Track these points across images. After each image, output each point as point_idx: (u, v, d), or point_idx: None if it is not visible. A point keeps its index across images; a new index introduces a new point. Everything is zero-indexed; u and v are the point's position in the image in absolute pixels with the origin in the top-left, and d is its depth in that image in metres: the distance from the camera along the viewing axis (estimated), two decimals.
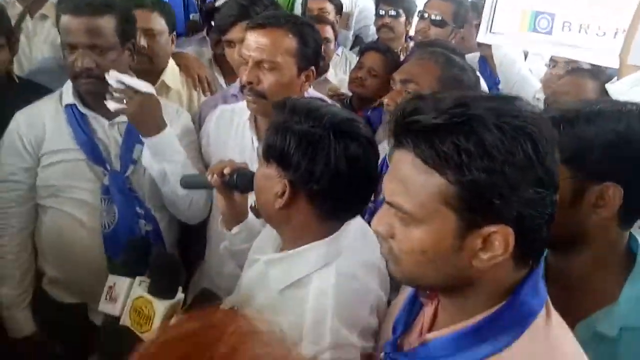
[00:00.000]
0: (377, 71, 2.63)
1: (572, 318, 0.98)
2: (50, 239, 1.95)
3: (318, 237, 1.24)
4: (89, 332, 1.60)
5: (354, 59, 3.17)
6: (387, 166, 1.81)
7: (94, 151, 1.87)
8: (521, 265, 0.89)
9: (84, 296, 1.97)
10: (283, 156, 1.19)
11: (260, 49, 1.73)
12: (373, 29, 3.71)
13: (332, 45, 2.97)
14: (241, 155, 1.83)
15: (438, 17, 3.15)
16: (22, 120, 1.87)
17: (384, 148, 1.89)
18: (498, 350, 0.87)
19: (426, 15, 3.18)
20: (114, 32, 1.79)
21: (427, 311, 1.03)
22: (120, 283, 1.25)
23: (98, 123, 1.89)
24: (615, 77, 1.86)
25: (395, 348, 1.04)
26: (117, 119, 1.88)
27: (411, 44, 3.44)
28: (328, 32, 2.89)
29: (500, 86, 3.02)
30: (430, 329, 1.01)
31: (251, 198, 1.46)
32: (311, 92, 1.98)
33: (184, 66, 2.49)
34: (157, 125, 1.79)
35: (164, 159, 1.82)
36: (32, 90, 2.04)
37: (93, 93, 1.83)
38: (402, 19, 3.38)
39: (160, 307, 1.16)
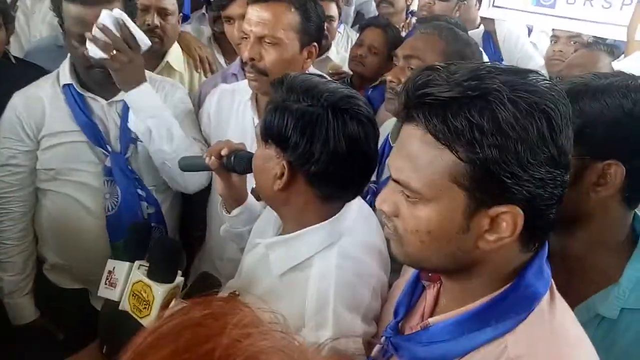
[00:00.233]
0: (377, 48, 2.58)
1: (572, 299, 0.97)
2: (51, 223, 1.94)
3: (318, 219, 1.22)
4: (91, 317, 1.60)
5: (355, 36, 3.12)
6: (390, 147, 1.81)
7: (94, 133, 1.85)
8: (526, 248, 0.88)
9: (85, 281, 1.97)
10: (281, 136, 1.17)
11: (262, 24, 1.69)
12: (374, 4, 3.65)
13: (335, 24, 2.92)
14: (242, 135, 1.81)
15: None
16: (20, 102, 1.85)
17: (385, 128, 1.87)
18: (501, 334, 0.86)
19: None
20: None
21: (429, 294, 1.02)
22: (119, 267, 1.25)
23: (96, 103, 1.87)
24: (623, 55, 1.83)
25: (397, 332, 1.03)
26: (115, 98, 1.86)
27: (413, 19, 3.39)
28: (332, 9, 2.83)
29: (503, 62, 2.98)
30: (432, 313, 1.00)
31: (251, 179, 1.44)
32: (312, 70, 1.94)
33: (185, 46, 2.46)
34: (137, 79, 1.76)
35: (147, 115, 1.79)
36: (29, 70, 2.02)
37: (106, 83, 1.81)
38: None
39: (159, 291, 1.15)
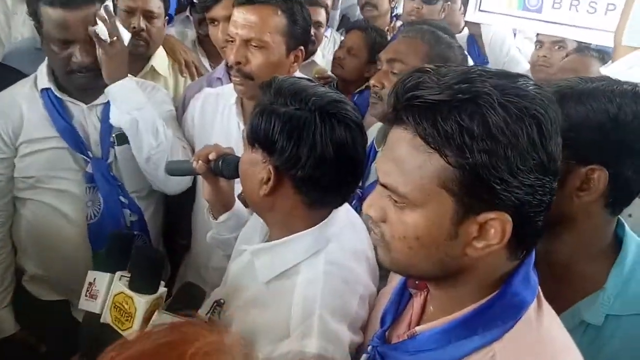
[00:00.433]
0: (355, 50, 2.58)
1: (558, 305, 0.96)
2: (31, 233, 1.89)
3: (305, 225, 1.20)
4: (72, 329, 1.57)
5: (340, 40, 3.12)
6: (375, 151, 1.80)
7: (74, 138, 1.81)
8: (514, 255, 0.87)
9: (66, 292, 1.93)
10: (267, 140, 1.15)
11: (249, 27, 1.68)
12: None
13: (322, 30, 2.92)
14: (227, 140, 1.79)
15: None
16: None
17: (371, 133, 1.86)
18: (489, 342, 0.85)
19: None
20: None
21: (416, 302, 1.01)
22: (100, 279, 1.22)
23: (76, 108, 1.84)
24: (611, 60, 1.84)
25: (384, 340, 1.02)
26: (95, 102, 1.83)
27: (397, 23, 3.39)
28: (321, 15, 2.83)
29: (488, 66, 2.99)
30: (419, 321, 0.99)
31: (239, 185, 1.42)
32: (298, 74, 1.93)
33: (169, 50, 2.45)
34: (123, 72, 1.77)
35: (132, 107, 1.78)
36: (7, 74, 1.98)
37: (88, 88, 1.78)
38: None
39: (141, 302, 1.12)
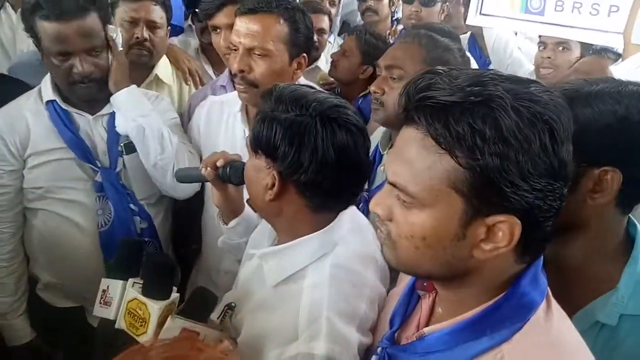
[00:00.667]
0: (348, 51, 2.59)
1: (570, 306, 0.96)
2: (43, 242, 1.91)
3: (311, 229, 1.22)
4: (88, 335, 1.58)
5: None
6: (380, 155, 1.82)
7: (82, 149, 1.83)
8: (521, 259, 0.87)
9: (80, 299, 1.95)
10: (270, 147, 1.16)
11: (251, 36, 1.70)
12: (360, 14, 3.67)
13: (326, 36, 2.94)
14: (232, 147, 1.81)
15: None
16: (2, 121, 1.81)
17: (375, 137, 1.87)
18: (497, 343, 0.85)
19: None
20: (101, 27, 1.75)
21: (425, 304, 1.02)
22: (113, 286, 1.23)
23: (82, 119, 1.85)
24: (620, 59, 1.84)
25: (393, 342, 1.02)
26: (101, 112, 1.85)
27: (399, 27, 3.41)
28: (324, 22, 2.85)
29: (491, 66, 3.00)
30: (427, 323, 0.99)
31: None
32: (302, 81, 1.95)
33: (173, 59, 2.46)
34: (127, 80, 1.82)
35: (138, 114, 1.80)
36: (13, 87, 1.99)
37: (90, 99, 1.80)
38: (385, 1, 3.35)
39: (154, 308, 1.13)
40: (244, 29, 1.71)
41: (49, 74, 1.84)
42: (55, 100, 1.81)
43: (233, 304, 1.30)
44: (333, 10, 3.27)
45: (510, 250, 0.83)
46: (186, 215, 2.10)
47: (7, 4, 2.63)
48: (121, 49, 1.82)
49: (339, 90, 2.69)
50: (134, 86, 1.83)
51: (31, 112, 1.82)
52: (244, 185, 1.40)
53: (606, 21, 2.08)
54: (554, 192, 0.81)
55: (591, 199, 1.07)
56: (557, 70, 2.59)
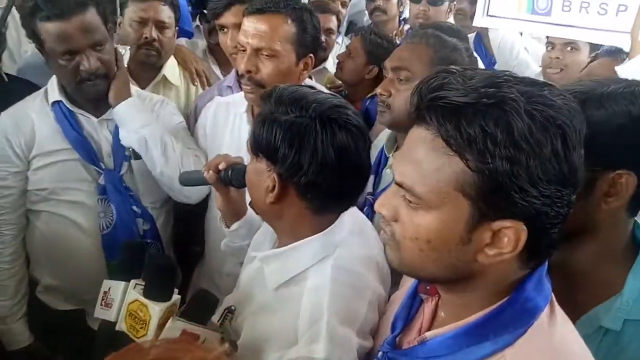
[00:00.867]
0: (353, 52, 2.58)
1: (575, 311, 0.96)
2: (45, 244, 1.91)
3: (312, 231, 1.21)
4: (88, 338, 1.58)
5: None
6: (386, 157, 1.81)
7: (87, 150, 1.83)
8: (525, 265, 0.86)
9: (81, 302, 1.94)
10: (270, 149, 1.16)
11: (259, 36, 1.69)
12: (367, 14, 3.66)
13: (334, 37, 2.93)
14: (238, 148, 1.80)
15: None
16: (8, 122, 1.82)
17: (381, 139, 1.87)
18: (500, 348, 0.85)
19: None
20: (101, 21, 1.74)
21: (427, 308, 1.01)
22: (115, 287, 1.23)
23: (87, 121, 1.86)
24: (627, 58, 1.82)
25: (394, 346, 1.01)
26: (106, 116, 1.85)
27: (405, 27, 3.40)
28: (332, 22, 2.85)
29: (497, 67, 2.98)
30: (430, 327, 0.98)
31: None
32: (307, 82, 1.94)
33: (181, 60, 2.47)
34: (128, 92, 1.82)
35: (140, 125, 1.80)
36: (22, 88, 2.00)
37: (98, 97, 1.80)
38: (394, 0, 3.34)
39: (155, 310, 1.13)
40: (252, 29, 1.70)
41: (55, 76, 1.84)
42: (61, 101, 1.81)
43: (233, 307, 1.29)
44: (343, 11, 3.27)
45: (515, 256, 0.82)
46: (188, 217, 2.10)
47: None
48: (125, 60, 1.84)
49: (346, 92, 2.68)
50: (133, 97, 1.82)
51: (37, 113, 1.82)
52: (246, 188, 1.40)
53: (614, 21, 2.06)
54: (562, 199, 0.80)
55: (605, 203, 1.05)
56: (566, 70, 2.57)
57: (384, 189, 1.72)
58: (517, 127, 0.75)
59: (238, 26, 1.92)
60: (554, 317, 0.87)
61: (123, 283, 1.22)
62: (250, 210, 1.53)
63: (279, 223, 1.25)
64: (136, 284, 1.19)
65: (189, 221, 2.13)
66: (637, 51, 1.68)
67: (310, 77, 2.08)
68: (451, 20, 3.29)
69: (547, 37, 2.69)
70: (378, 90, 1.75)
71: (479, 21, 2.42)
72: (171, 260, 1.51)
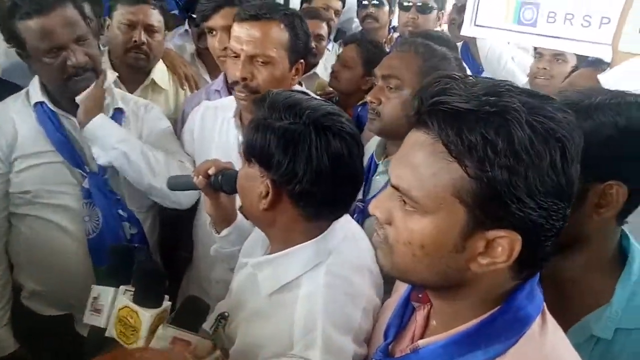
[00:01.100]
0: (349, 62, 2.59)
1: (566, 320, 0.96)
2: (30, 249, 1.87)
3: (305, 237, 1.21)
4: (75, 344, 1.55)
5: None
6: (375, 164, 1.81)
7: (70, 152, 1.81)
8: (517, 275, 0.86)
9: (68, 307, 1.91)
10: (264, 155, 1.16)
11: (254, 43, 1.68)
12: (357, 22, 3.68)
13: (324, 43, 2.94)
14: (226, 152, 1.80)
15: (425, 2, 3.12)
16: None
17: (370, 146, 1.87)
18: (492, 357, 0.85)
19: (410, 3, 3.14)
20: (80, 16, 1.73)
21: (419, 315, 1.01)
22: (104, 293, 1.22)
23: (70, 123, 1.83)
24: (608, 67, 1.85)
25: (387, 354, 1.01)
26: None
27: (395, 34, 3.42)
28: (323, 29, 2.86)
29: (483, 75, 3.02)
30: (422, 335, 0.98)
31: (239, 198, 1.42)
32: (296, 87, 1.94)
33: (169, 64, 2.46)
34: (99, 109, 1.78)
35: (118, 140, 1.77)
36: (7, 89, 1.96)
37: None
38: (386, 8, 3.37)
39: (145, 316, 1.12)
40: (246, 35, 1.69)
41: (36, 76, 1.82)
42: (44, 102, 1.78)
43: (226, 314, 1.29)
44: (335, 19, 3.29)
45: (508, 266, 0.82)
46: (174, 222, 2.09)
47: None
48: (111, 82, 1.81)
49: (337, 99, 2.68)
50: (102, 114, 1.78)
51: (18, 114, 1.79)
52: (236, 194, 1.40)
53: (597, 33, 2.10)
54: (557, 212, 0.80)
55: (597, 214, 1.06)
56: (552, 80, 2.60)
57: (374, 196, 1.72)
58: (518, 137, 0.75)
59: (226, 29, 1.91)
60: (545, 327, 0.88)
61: (112, 289, 1.21)
62: (240, 216, 1.52)
63: (272, 229, 1.25)
64: (126, 289, 1.18)
65: (175, 226, 2.12)
66: (617, 61, 1.72)
67: (300, 83, 2.08)
68: (444, 29, 3.32)
69: (535, 47, 2.73)
70: (368, 98, 1.76)
71: (466, 30, 2.45)
72: (159, 266, 1.49)
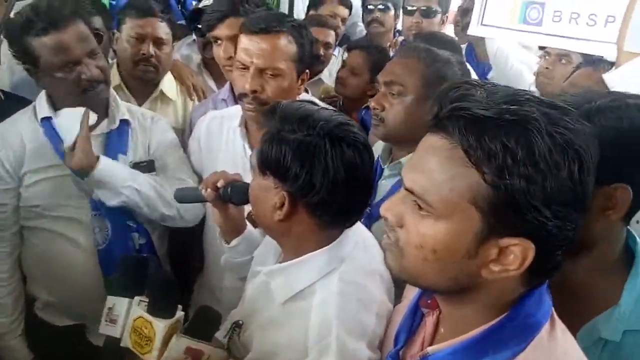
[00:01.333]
0: (357, 69, 2.60)
1: (573, 323, 0.96)
2: (42, 261, 1.89)
3: (318, 245, 1.22)
4: (88, 354, 1.57)
5: None
6: (381, 169, 1.82)
7: None
8: (528, 283, 0.86)
9: (81, 317, 1.93)
10: (280, 168, 1.17)
11: (264, 56, 1.69)
12: (361, 26, 3.68)
13: (331, 51, 2.95)
14: (233, 162, 1.82)
15: (429, 6, 3.11)
16: None
17: (375, 150, 1.88)
18: None
19: (414, 8, 3.14)
20: (89, 30, 1.76)
21: (429, 321, 1.01)
22: (119, 304, 1.24)
23: None
24: (613, 67, 1.84)
25: None
26: (95, 132, 1.84)
27: (400, 38, 3.42)
28: (331, 37, 2.87)
29: (490, 74, 3.01)
30: (432, 341, 0.99)
31: (248, 208, 1.43)
32: (302, 95, 1.95)
33: (177, 75, 2.48)
34: (92, 157, 1.73)
35: (126, 179, 1.78)
36: (19, 104, 1.96)
37: (101, 105, 1.80)
38: (391, 12, 3.37)
39: (159, 327, 1.14)
40: (255, 48, 1.69)
41: (43, 91, 1.83)
42: (50, 117, 1.79)
43: (241, 322, 1.30)
44: (342, 27, 3.30)
45: (519, 274, 0.82)
46: (183, 232, 2.09)
47: None
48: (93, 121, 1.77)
49: (341, 102, 2.69)
50: (103, 157, 1.76)
51: (26, 129, 1.80)
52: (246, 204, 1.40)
53: (603, 31, 2.08)
54: (572, 222, 0.80)
55: (604, 217, 1.06)
56: (553, 81, 2.59)
57: (380, 200, 1.73)
58: (538, 147, 0.76)
59: (232, 38, 1.92)
60: (554, 332, 0.87)
61: (127, 300, 1.23)
62: (249, 226, 1.54)
63: (285, 238, 1.26)
64: (140, 300, 1.20)
65: (185, 235, 2.12)
66: (623, 61, 1.71)
67: (305, 90, 2.09)
68: (450, 31, 3.32)
69: (541, 47, 2.72)
70: (371, 104, 1.76)
71: (473, 30, 2.44)
72: (170, 276, 1.50)
